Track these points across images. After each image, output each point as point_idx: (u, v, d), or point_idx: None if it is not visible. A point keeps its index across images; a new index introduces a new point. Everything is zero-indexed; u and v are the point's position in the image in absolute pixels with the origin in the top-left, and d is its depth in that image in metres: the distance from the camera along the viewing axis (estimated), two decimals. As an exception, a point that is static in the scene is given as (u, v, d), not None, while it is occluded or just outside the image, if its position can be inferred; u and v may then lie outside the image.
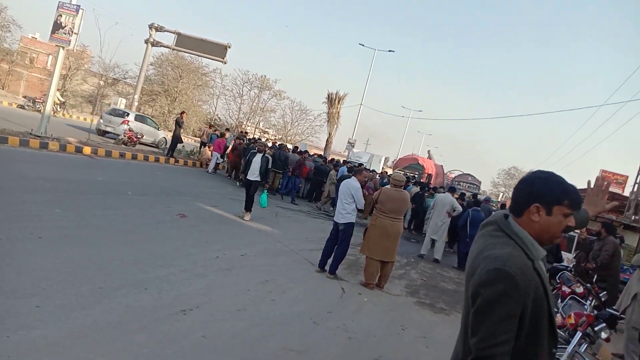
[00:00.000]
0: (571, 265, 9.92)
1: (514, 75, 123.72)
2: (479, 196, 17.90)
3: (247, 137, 19.24)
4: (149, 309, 4.04)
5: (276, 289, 5.57)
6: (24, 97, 23.45)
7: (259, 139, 25.31)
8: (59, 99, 22.56)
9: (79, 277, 4.32)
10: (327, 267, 6.83)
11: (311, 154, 17.38)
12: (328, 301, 5.70)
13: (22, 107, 20.06)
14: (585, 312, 4.60)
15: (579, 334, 4.29)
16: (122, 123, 18.07)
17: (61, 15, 12.05)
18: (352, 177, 7.06)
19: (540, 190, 1.66)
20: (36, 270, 4.23)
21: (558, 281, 6.49)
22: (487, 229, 1.77)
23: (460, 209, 10.84)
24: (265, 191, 10.28)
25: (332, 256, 6.80)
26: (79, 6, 12.15)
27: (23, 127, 13.80)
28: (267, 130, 47.37)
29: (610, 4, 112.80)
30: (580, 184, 2.42)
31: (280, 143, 20.30)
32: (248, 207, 9.48)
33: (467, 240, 10.24)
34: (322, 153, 27.42)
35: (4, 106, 19.99)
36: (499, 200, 42.74)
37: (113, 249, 5.46)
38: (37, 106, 20.70)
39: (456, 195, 12.23)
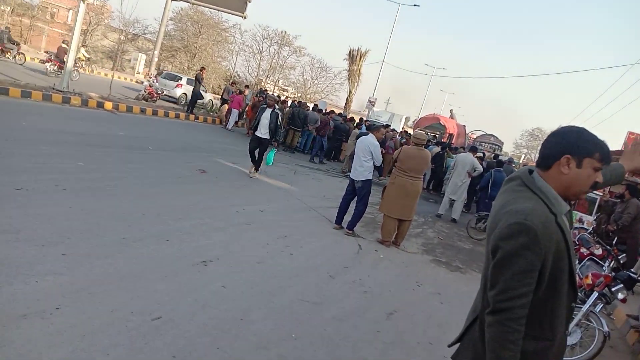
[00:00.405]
0: (591, 228, 9.82)
1: (540, 32, 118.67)
2: (500, 157, 17.56)
3: (267, 94, 19.11)
4: (170, 259, 4.16)
5: (294, 244, 5.66)
6: (46, 51, 23.47)
7: (278, 96, 25.12)
8: (84, 55, 22.62)
9: (102, 228, 4.45)
10: (344, 224, 6.89)
11: (329, 111, 17.18)
12: (345, 256, 5.78)
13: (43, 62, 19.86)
14: (603, 273, 4.58)
15: (595, 294, 4.29)
16: (176, 87, 20.47)
17: (80, -32, 11.85)
18: (370, 134, 6.99)
19: (572, 141, 1.64)
20: (61, 220, 4.36)
21: (577, 243, 6.44)
22: (511, 184, 1.75)
23: (481, 169, 10.71)
24: (274, 149, 9.67)
25: (352, 213, 6.84)
26: (97, -43, 11.92)
27: (45, 81, 13.94)
28: (286, 87, 46.91)
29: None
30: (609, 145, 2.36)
31: (299, 100, 20.13)
32: (257, 165, 9.06)
33: (487, 202, 10.16)
34: (341, 111, 27.15)
35: (28, 62, 20.05)
36: (521, 161, 42.08)
37: (135, 201, 5.58)
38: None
39: (478, 155, 12.07)
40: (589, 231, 9.25)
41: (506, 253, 1.52)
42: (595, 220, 10.30)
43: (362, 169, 6.71)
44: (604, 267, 5.55)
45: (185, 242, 4.69)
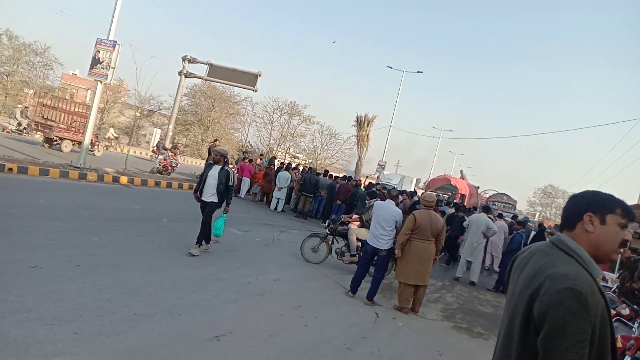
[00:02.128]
0: (615, 286, 9.45)
1: (545, 91, 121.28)
2: (519, 217, 17.34)
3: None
4: (181, 335, 4.06)
5: (308, 314, 5.51)
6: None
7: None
8: (113, 135, 24.19)
9: (114, 304, 4.39)
10: (358, 291, 6.73)
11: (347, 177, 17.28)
12: (361, 326, 5.59)
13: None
14: (633, 335, 4.36)
15: (627, 358, 4.05)
16: None
17: (99, 51, 12.64)
18: (388, 200, 6.97)
19: (591, 199, 1.68)
20: (74, 297, 4.33)
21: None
22: (539, 245, 1.74)
23: (495, 229, 10.55)
24: (224, 215, 7.51)
25: (371, 282, 6.68)
26: (116, 42, 12.74)
27: (63, 158, 14.40)
28: (297, 154, 47.86)
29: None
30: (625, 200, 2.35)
31: (309, 166, 20.43)
32: (200, 237, 7.11)
33: None
34: (352, 175, 27.32)
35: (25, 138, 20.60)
36: (536, 219, 41.44)
37: (147, 274, 5.55)
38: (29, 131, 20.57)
39: (491, 215, 11.93)
40: (613, 289, 8.90)
41: (558, 322, 1.45)
42: (618, 277, 9.94)
43: (387, 238, 6.61)
44: (633, 329, 5.28)
45: (197, 317, 4.59)
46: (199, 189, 7.27)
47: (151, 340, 3.82)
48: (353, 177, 23.40)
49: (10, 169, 10.39)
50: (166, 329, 4.12)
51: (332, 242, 8.61)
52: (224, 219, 7.54)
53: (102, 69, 12.59)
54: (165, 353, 3.66)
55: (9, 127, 20.45)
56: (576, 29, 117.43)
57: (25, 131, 20.24)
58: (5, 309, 3.74)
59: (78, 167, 12.33)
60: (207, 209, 7.08)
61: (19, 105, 22.56)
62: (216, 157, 7.26)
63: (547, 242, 1.71)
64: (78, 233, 6.70)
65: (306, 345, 4.54)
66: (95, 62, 12.67)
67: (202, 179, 7.24)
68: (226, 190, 7.15)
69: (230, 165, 17.67)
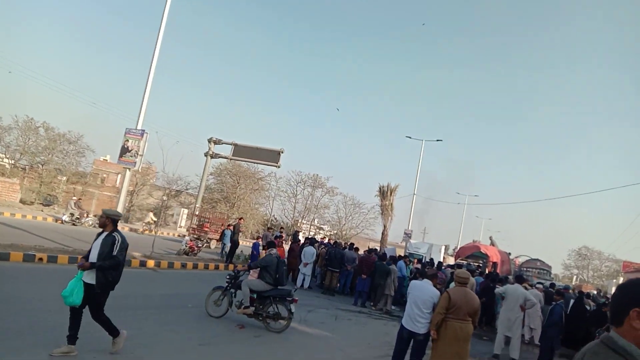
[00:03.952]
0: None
1: (568, 153, 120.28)
2: (557, 284, 16.52)
3: (302, 235, 19.34)
4: None
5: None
6: (94, 215, 25.55)
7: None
8: (152, 219, 25.54)
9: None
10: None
11: (368, 248, 16.95)
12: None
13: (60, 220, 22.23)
14: None
15: None
16: None
17: (128, 140, 13.26)
18: (426, 280, 6.69)
19: (637, 292, 1.59)
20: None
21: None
22: (589, 346, 1.68)
23: (534, 300, 9.99)
24: (80, 273, 5.30)
25: None
26: (144, 130, 13.36)
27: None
28: (322, 226, 47.73)
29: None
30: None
31: (335, 240, 20.21)
32: (109, 331, 5.53)
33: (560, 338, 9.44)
34: (377, 246, 26.87)
35: (78, 228, 21.58)
36: (573, 284, 39.52)
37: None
38: (82, 221, 22.43)
39: (525, 284, 11.36)
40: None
41: None
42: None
43: (424, 321, 6.25)
44: None
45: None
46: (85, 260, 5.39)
47: None
48: (379, 248, 22.99)
49: (41, 259, 10.56)
50: None
51: (234, 295, 8.34)
52: (77, 279, 5.25)
53: (131, 156, 13.12)
54: None
55: (62, 218, 22.08)
56: (604, 74, 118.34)
57: (77, 221, 21.58)
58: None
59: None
60: (90, 295, 5.28)
61: (73, 198, 24.12)
62: (101, 221, 5.56)
63: (597, 341, 1.64)
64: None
65: None
66: (125, 150, 13.24)
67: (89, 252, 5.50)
68: (113, 266, 5.34)
69: (259, 241, 17.75)
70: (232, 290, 8.40)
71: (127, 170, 13.48)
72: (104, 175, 39.81)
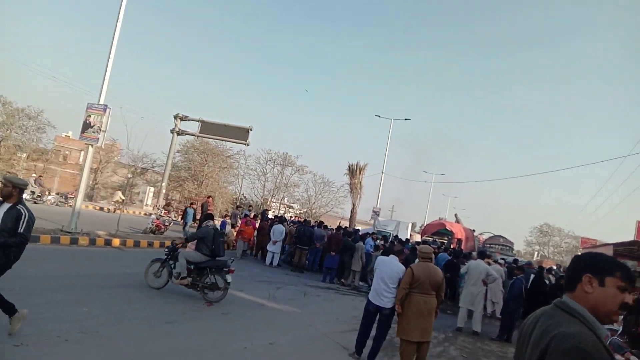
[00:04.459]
0: (620, 328, 9.21)
1: (537, 130, 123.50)
2: (520, 260, 17.16)
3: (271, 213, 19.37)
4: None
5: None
6: (57, 193, 24.72)
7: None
8: (121, 197, 25.18)
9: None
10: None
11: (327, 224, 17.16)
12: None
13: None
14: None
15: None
16: None
17: (90, 116, 12.81)
18: (392, 256, 6.84)
19: (590, 261, 1.74)
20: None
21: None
22: (544, 309, 1.81)
23: (495, 275, 10.40)
24: None
25: (373, 342, 6.46)
26: (106, 106, 12.92)
27: (55, 223, 14.24)
28: (292, 204, 47.78)
29: None
30: (617, 236, 2.39)
31: (304, 219, 20.33)
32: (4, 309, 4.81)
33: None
34: (347, 224, 27.20)
35: (40, 206, 20.93)
36: (534, 259, 41.13)
37: (138, 346, 5.35)
38: (69, 202, 22.04)
39: (488, 260, 11.78)
40: (618, 332, 8.65)
41: None
42: (622, 320, 9.70)
43: (390, 296, 6.43)
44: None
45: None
46: None
47: None
48: (348, 226, 23.30)
49: None
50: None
51: (173, 267, 8.42)
52: None
53: (93, 132, 12.72)
54: None
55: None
56: (566, 60, 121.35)
57: (39, 199, 20.89)
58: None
59: (69, 232, 12.17)
60: None
61: (33, 175, 23.27)
62: (5, 190, 4.82)
63: (551, 305, 1.77)
64: (68, 304, 6.50)
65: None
66: (87, 126, 12.80)
67: None
68: (11, 243, 4.63)
69: (227, 219, 17.66)
70: (171, 262, 8.46)
71: (90, 146, 13.04)
72: (67, 152, 38.52)
